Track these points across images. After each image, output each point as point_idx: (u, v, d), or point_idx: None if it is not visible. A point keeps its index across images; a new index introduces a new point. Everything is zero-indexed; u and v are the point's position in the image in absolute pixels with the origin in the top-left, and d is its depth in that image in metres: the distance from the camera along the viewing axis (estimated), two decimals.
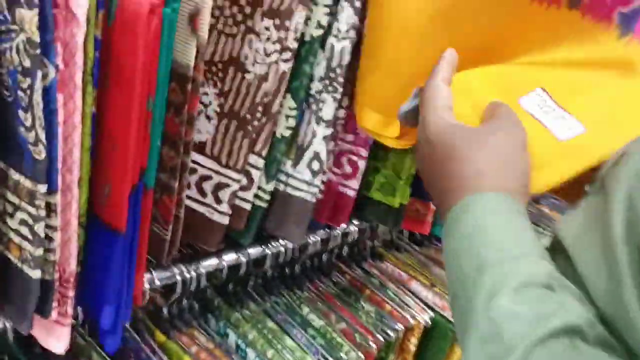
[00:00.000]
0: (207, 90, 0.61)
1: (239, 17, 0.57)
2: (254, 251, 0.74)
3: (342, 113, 0.63)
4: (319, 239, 0.80)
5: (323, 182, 0.68)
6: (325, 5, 0.56)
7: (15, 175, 0.44)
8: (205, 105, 0.61)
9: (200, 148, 0.62)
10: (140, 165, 0.50)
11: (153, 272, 0.66)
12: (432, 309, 0.90)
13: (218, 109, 0.60)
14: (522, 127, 0.38)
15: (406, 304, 0.89)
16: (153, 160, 0.52)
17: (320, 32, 0.57)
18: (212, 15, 0.58)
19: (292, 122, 0.61)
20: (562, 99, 0.42)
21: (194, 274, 0.69)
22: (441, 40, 0.44)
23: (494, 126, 0.38)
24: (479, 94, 0.43)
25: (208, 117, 0.61)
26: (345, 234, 0.84)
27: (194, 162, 0.62)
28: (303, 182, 0.63)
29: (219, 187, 0.62)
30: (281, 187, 0.64)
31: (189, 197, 0.63)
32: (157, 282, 0.67)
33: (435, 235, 1.00)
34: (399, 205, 0.73)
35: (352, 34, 0.56)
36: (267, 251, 0.75)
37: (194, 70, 0.50)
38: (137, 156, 0.49)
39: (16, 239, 0.46)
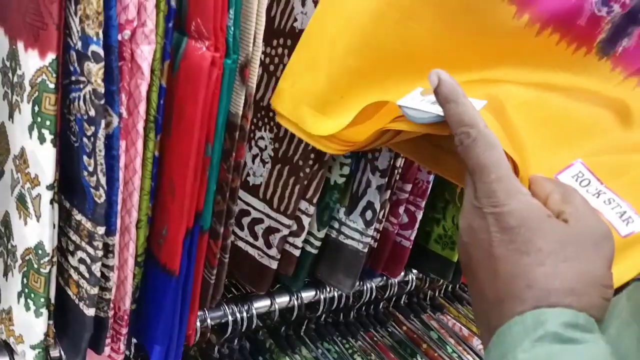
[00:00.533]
0: (263, 134, 0.62)
1: None
2: (307, 295, 0.74)
3: (399, 162, 0.62)
4: (375, 286, 0.78)
5: (378, 232, 0.66)
6: None
7: (77, 216, 0.47)
8: (262, 149, 0.62)
9: (254, 190, 0.63)
10: (196, 209, 0.52)
11: (205, 311, 0.67)
12: None
13: (272, 154, 0.61)
14: (612, 241, 0.32)
15: None
16: (209, 204, 0.53)
17: None
18: (272, 62, 0.60)
19: (346, 170, 0.60)
20: (605, 175, 0.37)
21: (245, 314, 0.69)
22: (401, 42, 0.39)
23: (583, 234, 0.31)
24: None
25: (263, 161, 0.62)
26: (403, 283, 0.81)
27: (247, 204, 0.63)
28: (356, 231, 0.62)
29: (270, 231, 0.62)
30: (333, 234, 0.64)
31: (241, 239, 0.64)
32: (209, 321, 0.68)
33: None
34: (459, 260, 0.70)
35: None
36: (321, 295, 0.74)
37: (242, 119, 0.51)
38: (193, 201, 0.50)
39: (75, 276, 0.49)
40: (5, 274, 0.52)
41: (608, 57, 0.41)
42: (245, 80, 0.49)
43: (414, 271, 0.81)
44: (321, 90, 0.42)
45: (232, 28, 0.47)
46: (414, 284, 0.80)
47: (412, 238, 0.67)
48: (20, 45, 0.43)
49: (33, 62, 0.42)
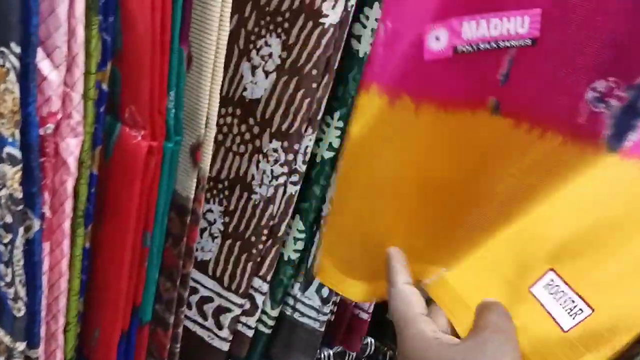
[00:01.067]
0: (212, 207, 0.58)
1: (247, 137, 0.55)
2: None
3: None
4: (332, 352, 0.74)
5: (335, 304, 0.63)
6: (337, 128, 0.53)
7: None
8: (210, 223, 0.58)
9: (202, 267, 0.58)
10: (133, 303, 0.47)
11: None
12: None
13: (222, 228, 0.57)
14: (512, 345, 0.33)
15: None
16: (149, 295, 0.48)
17: (331, 154, 0.54)
18: (221, 132, 0.56)
19: (300, 245, 0.57)
20: (574, 277, 0.36)
21: None
22: (415, 207, 0.39)
23: (477, 347, 0.33)
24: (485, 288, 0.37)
25: (212, 236, 0.58)
26: (362, 345, 0.78)
27: (195, 281, 0.59)
28: (312, 308, 0.59)
29: (220, 310, 0.58)
30: (288, 311, 0.60)
31: (188, 318, 0.59)
32: None
33: None
34: None
35: None
36: None
37: (194, 202, 0.47)
38: (129, 298, 0.45)
39: None
40: None
41: (616, 153, 0.39)
42: (198, 161, 0.45)
43: None
44: (359, 262, 0.43)
45: (174, 110, 0.43)
46: (373, 347, 0.77)
47: (371, 310, 0.64)
48: None
49: None
